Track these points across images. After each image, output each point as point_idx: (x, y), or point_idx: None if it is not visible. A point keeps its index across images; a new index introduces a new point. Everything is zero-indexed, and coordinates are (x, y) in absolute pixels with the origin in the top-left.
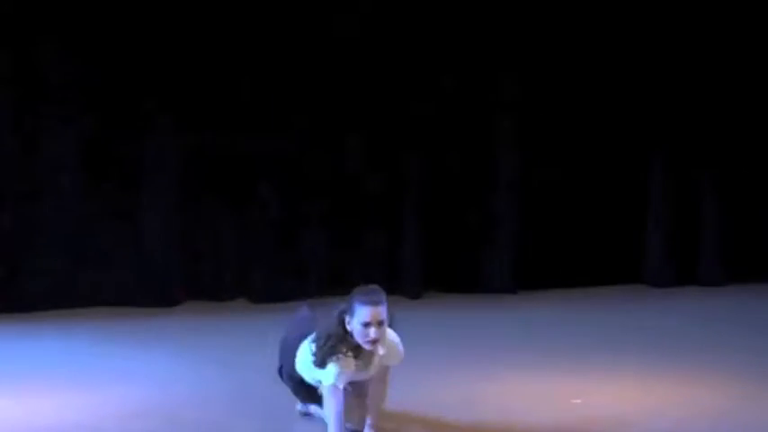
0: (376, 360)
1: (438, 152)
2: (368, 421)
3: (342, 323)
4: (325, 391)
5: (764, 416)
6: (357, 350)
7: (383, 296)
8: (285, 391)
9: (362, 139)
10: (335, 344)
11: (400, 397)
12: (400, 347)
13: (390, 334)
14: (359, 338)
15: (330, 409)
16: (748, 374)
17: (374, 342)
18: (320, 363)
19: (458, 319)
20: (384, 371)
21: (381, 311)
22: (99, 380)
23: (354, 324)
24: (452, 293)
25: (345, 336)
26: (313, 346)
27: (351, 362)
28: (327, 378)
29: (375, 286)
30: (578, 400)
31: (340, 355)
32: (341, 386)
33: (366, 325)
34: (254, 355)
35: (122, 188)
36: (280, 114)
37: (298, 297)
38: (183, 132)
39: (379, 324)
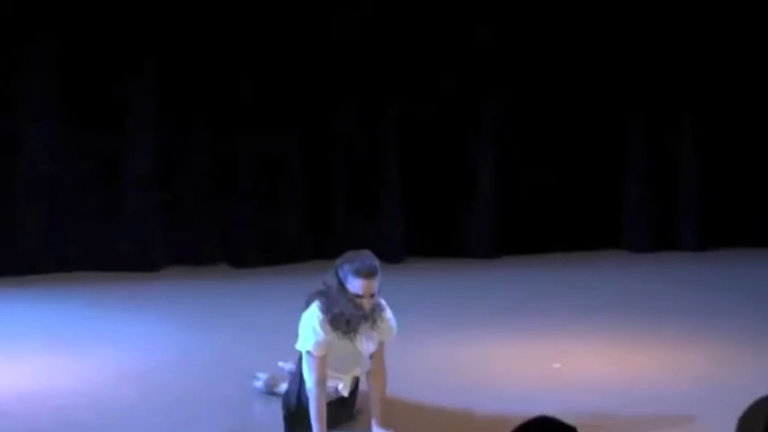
0: (364, 331)
1: (419, 118)
2: (374, 421)
3: (340, 286)
4: (304, 358)
5: (743, 378)
6: (350, 310)
7: (376, 264)
8: (274, 356)
9: (346, 106)
10: (335, 299)
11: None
12: (393, 322)
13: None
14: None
15: (309, 378)
16: (728, 337)
17: (361, 309)
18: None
19: (440, 284)
20: (378, 350)
21: (374, 285)
22: (91, 344)
23: (348, 288)
24: (434, 258)
25: (341, 300)
26: (319, 304)
27: (331, 335)
28: (305, 344)
29: (368, 253)
30: (559, 365)
31: (324, 320)
32: (316, 354)
33: (357, 296)
34: (240, 317)
35: (104, 149)
36: (276, 108)
37: (279, 261)
38: (166, 97)
39: (371, 296)
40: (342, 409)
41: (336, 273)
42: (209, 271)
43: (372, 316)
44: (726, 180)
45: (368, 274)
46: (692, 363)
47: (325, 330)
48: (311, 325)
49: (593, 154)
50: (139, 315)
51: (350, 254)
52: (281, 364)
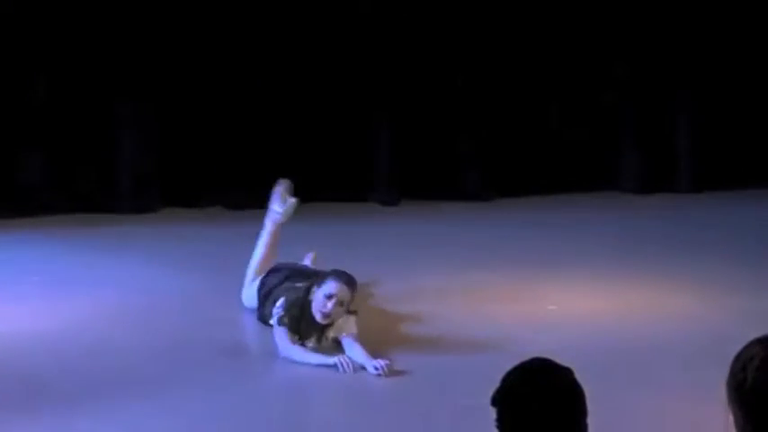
0: (327, 336)
1: (411, 58)
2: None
3: (307, 291)
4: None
5: (733, 318)
6: (308, 323)
7: (355, 284)
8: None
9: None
10: (291, 308)
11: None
12: (353, 323)
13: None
14: (315, 307)
15: (286, 348)
16: (719, 278)
17: (326, 316)
18: (278, 321)
19: (434, 226)
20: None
21: (347, 293)
22: (76, 286)
23: (318, 293)
24: (428, 201)
25: (305, 304)
26: (280, 308)
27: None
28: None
29: (351, 275)
30: (554, 307)
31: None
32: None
33: (328, 297)
34: (229, 259)
35: (98, 91)
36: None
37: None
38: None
39: (340, 304)
40: None
41: (313, 283)
42: (203, 213)
43: (325, 330)
44: (722, 122)
45: (346, 282)
46: (683, 303)
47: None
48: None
49: (590, 95)
50: (129, 257)
51: (337, 269)
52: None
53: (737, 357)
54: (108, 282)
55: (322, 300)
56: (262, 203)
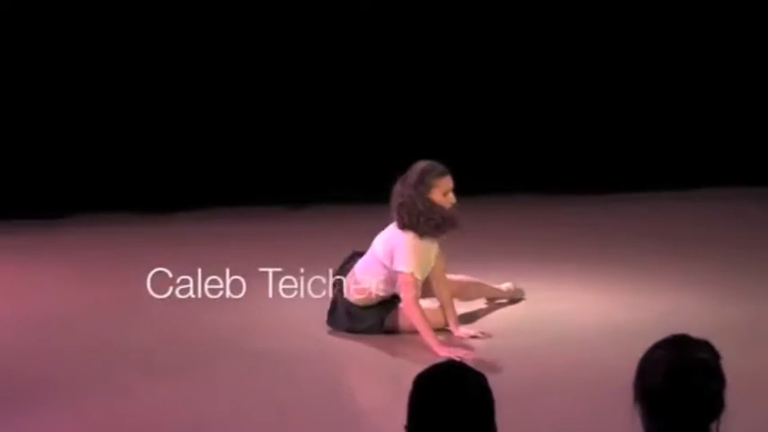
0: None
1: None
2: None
3: (424, 197)
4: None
5: (643, 318)
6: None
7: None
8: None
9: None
10: (423, 213)
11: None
12: None
13: None
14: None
15: (410, 301)
16: (683, 277)
17: (454, 206)
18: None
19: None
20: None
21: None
22: None
23: (435, 195)
24: (383, 204)
25: (432, 206)
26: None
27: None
28: (408, 267)
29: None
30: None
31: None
32: (420, 277)
33: (446, 193)
34: (143, 266)
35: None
36: None
37: (201, 207)
38: None
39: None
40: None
41: (417, 189)
42: (115, 217)
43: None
44: (697, 121)
45: (448, 171)
46: (650, 304)
47: (426, 249)
48: (413, 249)
49: (550, 97)
50: (40, 264)
51: (424, 165)
52: None
53: (644, 359)
54: (21, 289)
55: (442, 198)
56: (173, 207)
